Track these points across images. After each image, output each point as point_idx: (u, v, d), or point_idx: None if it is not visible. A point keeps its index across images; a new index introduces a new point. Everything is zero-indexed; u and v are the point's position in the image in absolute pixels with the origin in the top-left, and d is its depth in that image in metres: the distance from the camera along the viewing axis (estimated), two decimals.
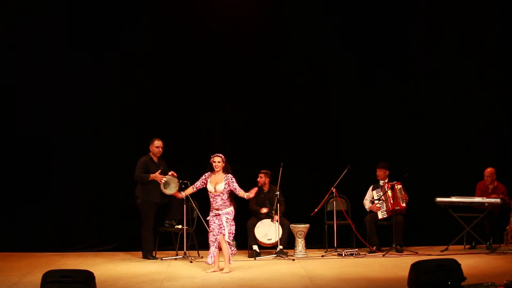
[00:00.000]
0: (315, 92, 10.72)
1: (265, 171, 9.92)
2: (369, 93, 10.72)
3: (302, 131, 10.61)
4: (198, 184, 8.50)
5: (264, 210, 9.72)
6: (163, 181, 9.32)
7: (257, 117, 10.59)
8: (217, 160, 8.37)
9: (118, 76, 10.42)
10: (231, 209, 8.37)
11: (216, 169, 8.37)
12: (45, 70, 10.33)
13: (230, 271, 8.25)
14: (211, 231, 8.35)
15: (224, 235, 8.26)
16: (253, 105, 10.59)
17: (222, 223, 8.28)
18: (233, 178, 8.38)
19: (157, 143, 9.51)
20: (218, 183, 8.33)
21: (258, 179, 9.88)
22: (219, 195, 8.31)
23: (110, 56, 10.39)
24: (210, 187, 8.36)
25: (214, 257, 8.30)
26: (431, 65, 10.79)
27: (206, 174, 8.45)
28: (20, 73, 10.34)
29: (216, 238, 8.29)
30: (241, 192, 8.37)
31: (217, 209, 8.32)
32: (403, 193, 9.85)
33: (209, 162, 8.43)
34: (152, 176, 9.37)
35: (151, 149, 9.54)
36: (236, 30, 10.58)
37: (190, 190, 8.64)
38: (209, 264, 8.34)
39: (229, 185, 8.32)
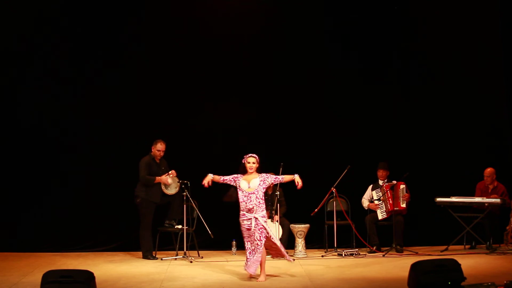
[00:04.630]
0: (315, 92, 10.72)
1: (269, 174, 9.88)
2: (369, 93, 10.72)
3: (302, 131, 10.61)
4: (227, 179, 7.84)
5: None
6: (169, 182, 9.36)
7: (257, 117, 10.59)
8: (252, 161, 7.78)
9: (118, 76, 10.43)
10: (265, 213, 7.80)
11: (250, 171, 7.77)
12: (44, 70, 10.33)
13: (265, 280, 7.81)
14: (248, 236, 7.75)
15: (271, 236, 7.73)
16: (253, 105, 10.59)
17: (262, 226, 7.67)
18: (267, 174, 7.91)
19: (159, 146, 9.47)
20: (252, 179, 7.73)
21: None
22: (253, 193, 7.69)
23: (111, 56, 10.39)
24: (244, 184, 7.72)
25: (257, 264, 7.71)
26: (432, 65, 10.80)
27: (238, 175, 7.85)
28: (20, 73, 10.34)
29: (258, 244, 7.66)
30: (286, 177, 7.92)
31: (251, 209, 7.67)
32: (405, 193, 9.86)
33: (242, 163, 7.83)
34: (158, 179, 9.37)
35: (152, 150, 9.54)
36: (236, 30, 10.59)
37: (217, 178, 7.88)
38: (252, 273, 7.75)
39: (264, 182, 7.76)
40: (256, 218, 7.67)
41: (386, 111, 10.71)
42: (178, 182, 9.45)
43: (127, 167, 9.80)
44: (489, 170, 10.02)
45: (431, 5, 10.79)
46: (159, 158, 9.54)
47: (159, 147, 9.49)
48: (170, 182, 9.42)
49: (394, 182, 9.88)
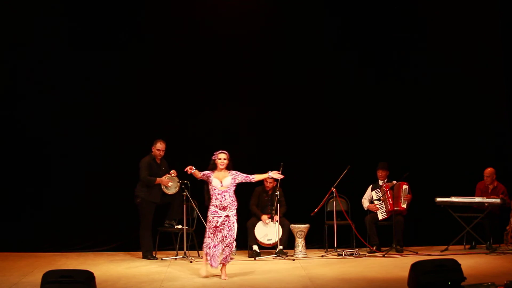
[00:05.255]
0: (315, 92, 10.72)
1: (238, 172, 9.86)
2: (369, 93, 10.72)
3: (302, 131, 10.61)
4: (206, 173, 7.87)
5: (267, 221, 9.66)
6: (169, 184, 9.36)
7: (257, 117, 10.59)
8: (222, 157, 7.86)
9: (118, 76, 10.42)
10: (235, 212, 7.90)
11: (220, 167, 7.83)
12: (44, 70, 10.33)
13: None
14: (213, 233, 7.81)
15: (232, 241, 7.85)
16: (253, 105, 10.59)
17: (232, 223, 7.82)
18: (237, 172, 7.94)
19: (159, 146, 9.47)
20: (224, 178, 7.82)
21: (268, 184, 9.83)
22: (226, 191, 7.82)
23: (110, 56, 10.39)
24: (216, 183, 7.79)
25: (220, 258, 7.82)
26: (432, 65, 10.79)
27: (209, 172, 7.87)
28: (19, 73, 10.34)
29: (224, 239, 7.78)
30: (258, 177, 8.05)
31: (225, 207, 7.78)
32: (407, 194, 9.86)
33: (211, 160, 7.93)
34: (159, 180, 9.37)
35: (152, 150, 9.53)
36: (236, 29, 10.59)
37: (198, 173, 7.88)
38: (214, 267, 7.88)
39: (235, 180, 7.87)
40: (228, 216, 7.81)
41: (386, 111, 10.71)
42: (178, 182, 9.44)
43: (127, 167, 9.79)
44: (489, 170, 10.01)
45: (431, 5, 10.79)
46: (159, 158, 9.53)
47: (159, 147, 9.48)
48: (170, 184, 9.42)
49: (394, 182, 9.88)
